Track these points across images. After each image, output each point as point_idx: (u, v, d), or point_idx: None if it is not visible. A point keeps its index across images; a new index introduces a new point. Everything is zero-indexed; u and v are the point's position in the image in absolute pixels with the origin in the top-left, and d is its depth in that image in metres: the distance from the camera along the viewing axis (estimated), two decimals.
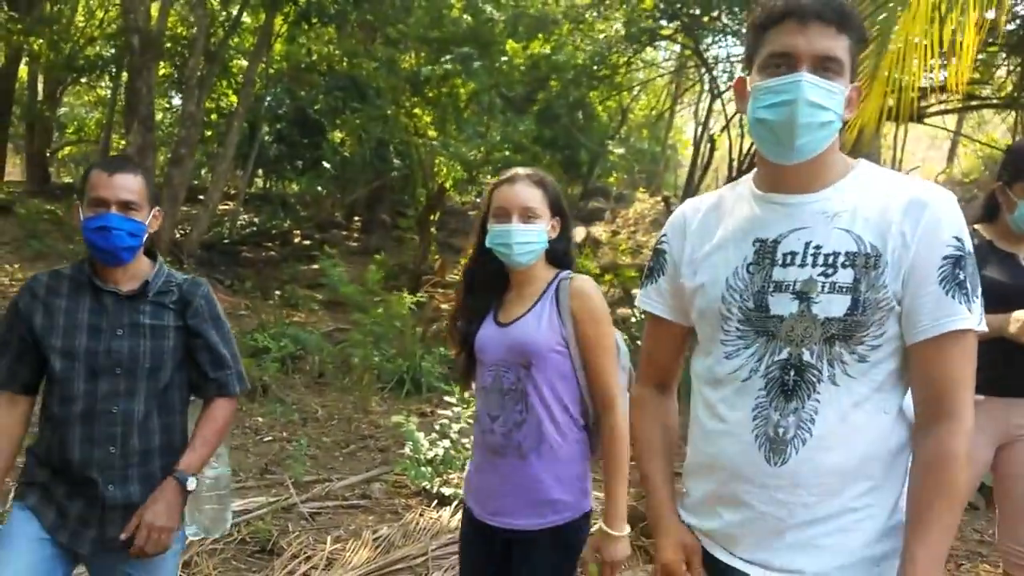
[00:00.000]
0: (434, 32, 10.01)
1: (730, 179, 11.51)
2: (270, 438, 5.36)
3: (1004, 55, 10.03)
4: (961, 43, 4.19)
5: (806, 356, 1.27)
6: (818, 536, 1.30)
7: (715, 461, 1.37)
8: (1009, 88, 10.60)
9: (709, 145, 12.49)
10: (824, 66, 1.28)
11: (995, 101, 10.80)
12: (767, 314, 1.31)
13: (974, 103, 10.50)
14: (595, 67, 11.06)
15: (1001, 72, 11.00)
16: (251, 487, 4.33)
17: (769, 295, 1.31)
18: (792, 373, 1.28)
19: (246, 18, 13.00)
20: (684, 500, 1.49)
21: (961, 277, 1.25)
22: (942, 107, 10.21)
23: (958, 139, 16.52)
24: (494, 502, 1.98)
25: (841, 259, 1.28)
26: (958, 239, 1.27)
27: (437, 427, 4.99)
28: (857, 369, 1.27)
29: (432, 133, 11.52)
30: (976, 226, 2.46)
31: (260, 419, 5.70)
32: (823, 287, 1.27)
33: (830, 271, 1.27)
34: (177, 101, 15.41)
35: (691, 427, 1.45)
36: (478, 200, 10.89)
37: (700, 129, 14.22)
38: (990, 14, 4.88)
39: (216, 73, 11.99)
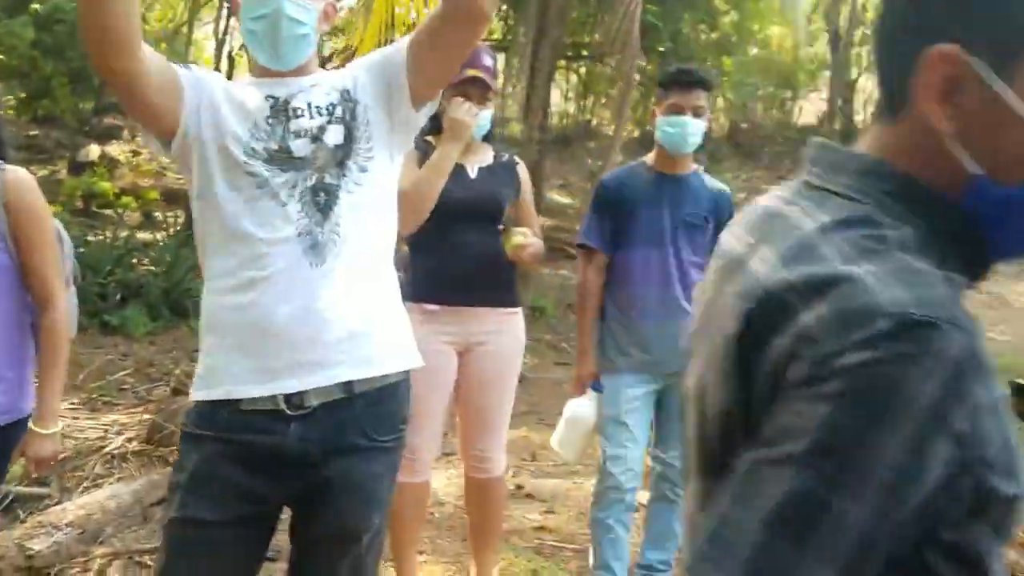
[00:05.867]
0: None
1: None
2: None
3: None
4: None
5: (328, 179, 1.55)
6: (362, 324, 1.54)
7: (258, 287, 1.50)
8: (498, 32, 12.20)
9: (229, 62, 12.23)
10: None
11: (486, 43, 12.34)
12: (291, 155, 1.55)
13: None
14: None
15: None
16: None
17: (290, 140, 1.55)
18: (322, 195, 1.54)
19: None
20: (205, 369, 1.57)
21: None
22: None
23: None
24: None
25: (337, 108, 1.60)
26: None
27: None
28: (362, 178, 1.58)
29: None
30: (428, 138, 2.53)
31: None
32: (328, 126, 1.58)
33: (330, 117, 1.59)
34: None
35: (225, 259, 1.54)
36: None
37: (219, 46, 13.80)
38: None
39: None
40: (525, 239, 2.35)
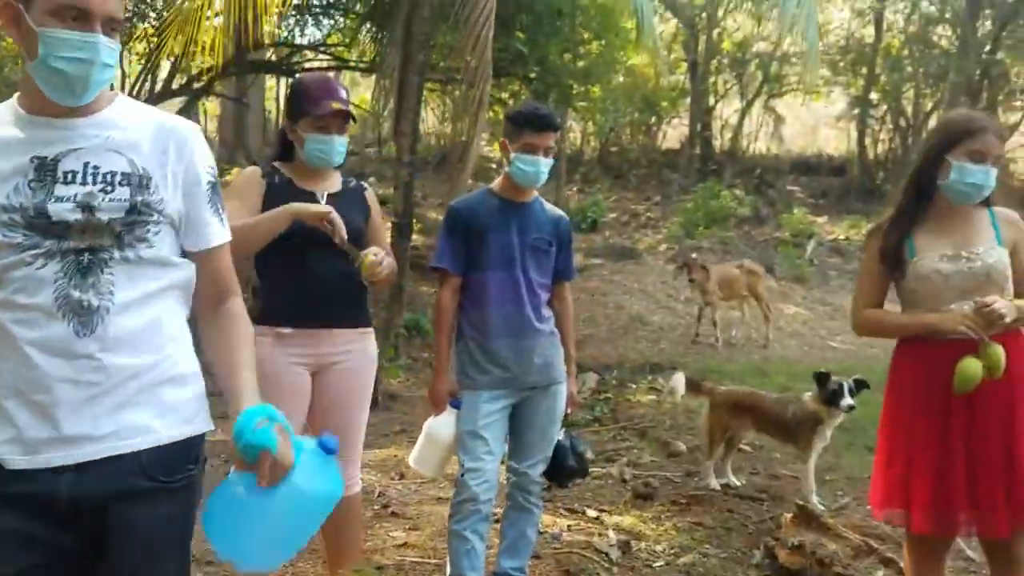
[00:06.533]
0: None
1: None
2: None
3: (368, 23, 11.51)
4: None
5: (100, 243, 1.42)
6: (137, 392, 1.44)
7: (21, 353, 1.39)
8: (371, 54, 12.23)
9: None
10: (112, 27, 1.42)
11: (361, 65, 12.36)
12: (51, 221, 1.39)
13: (342, 65, 11.85)
14: None
15: (366, 39, 12.57)
16: None
17: (50, 204, 1.39)
18: (87, 255, 1.41)
19: None
20: None
21: (219, 201, 1.58)
22: (316, 65, 11.39)
23: None
24: None
25: (118, 178, 1.44)
26: (212, 167, 1.58)
27: None
28: (144, 251, 1.46)
29: None
30: (276, 164, 2.61)
31: None
32: (103, 199, 1.42)
33: (109, 188, 1.43)
34: None
35: None
36: None
37: None
38: None
39: None
40: (377, 258, 2.44)
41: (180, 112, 10.80)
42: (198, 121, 17.99)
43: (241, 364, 1.56)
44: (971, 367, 2.30)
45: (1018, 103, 18.50)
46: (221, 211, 1.60)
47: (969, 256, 2.41)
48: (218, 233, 1.59)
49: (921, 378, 2.47)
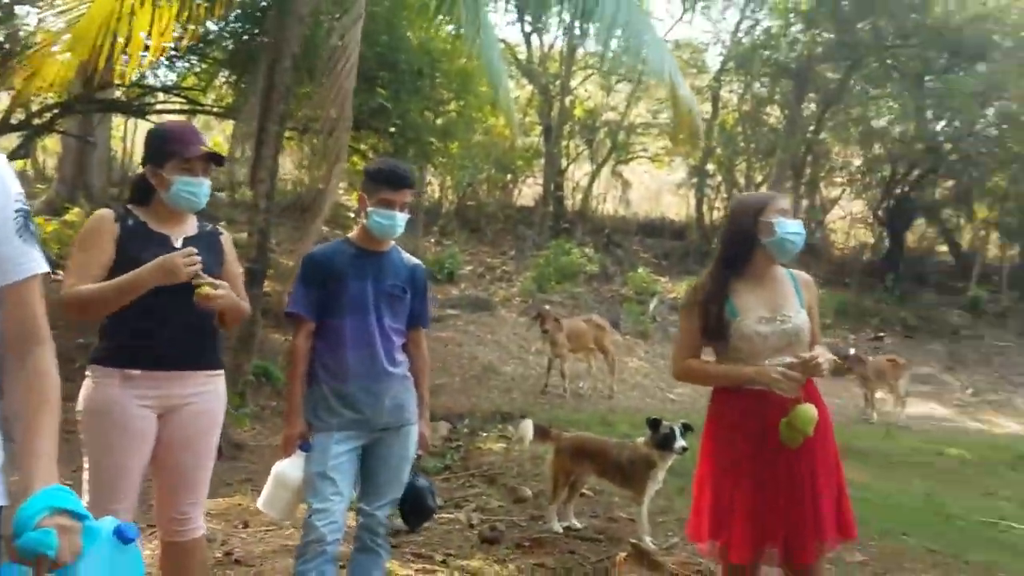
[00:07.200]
0: None
1: None
2: None
3: (225, 69, 11.37)
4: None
5: None
6: None
7: None
8: (229, 99, 12.05)
9: None
10: None
11: (216, 110, 12.16)
12: None
13: (197, 108, 11.61)
14: None
15: (222, 83, 12.39)
16: None
17: None
18: None
19: None
20: None
21: (32, 228, 1.48)
22: (169, 107, 11.11)
23: None
24: None
25: None
26: (20, 195, 1.47)
27: None
28: None
29: None
30: (130, 207, 2.61)
31: None
32: None
33: None
34: None
35: None
36: None
37: None
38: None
39: None
40: (213, 290, 2.47)
41: (18, 148, 10.23)
42: (35, 157, 17.00)
43: (41, 431, 1.43)
44: (784, 427, 2.64)
45: (838, 179, 20.57)
46: (34, 240, 1.48)
47: (783, 319, 2.77)
48: (30, 264, 1.46)
49: (740, 424, 2.77)
